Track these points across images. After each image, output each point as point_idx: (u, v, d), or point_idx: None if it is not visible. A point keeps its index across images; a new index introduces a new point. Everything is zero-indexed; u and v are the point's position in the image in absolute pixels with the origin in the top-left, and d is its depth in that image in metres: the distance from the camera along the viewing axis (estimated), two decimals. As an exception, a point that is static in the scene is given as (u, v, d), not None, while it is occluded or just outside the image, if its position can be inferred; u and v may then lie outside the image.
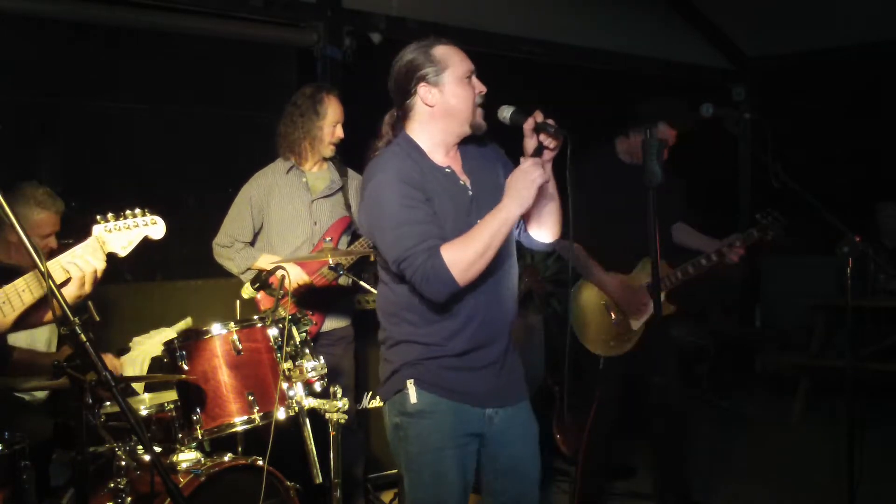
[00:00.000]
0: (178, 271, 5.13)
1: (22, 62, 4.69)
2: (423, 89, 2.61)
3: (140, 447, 3.18)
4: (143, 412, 3.39)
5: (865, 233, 3.56)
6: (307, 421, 3.34)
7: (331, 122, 4.03)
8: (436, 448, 2.61)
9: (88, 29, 4.82)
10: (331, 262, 3.79)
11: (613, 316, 4.15)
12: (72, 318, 2.09)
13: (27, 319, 2.49)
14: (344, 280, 4.04)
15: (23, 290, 2.39)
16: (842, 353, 5.92)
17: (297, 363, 3.32)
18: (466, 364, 2.62)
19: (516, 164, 2.61)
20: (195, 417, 3.27)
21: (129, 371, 3.80)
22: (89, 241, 2.47)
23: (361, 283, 3.93)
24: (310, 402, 3.33)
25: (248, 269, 4.04)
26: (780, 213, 4.19)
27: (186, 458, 3.32)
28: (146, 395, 3.79)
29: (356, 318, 4.25)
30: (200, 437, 3.29)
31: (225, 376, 3.31)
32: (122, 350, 3.93)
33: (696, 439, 4.77)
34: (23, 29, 4.67)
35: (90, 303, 2.36)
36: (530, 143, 2.59)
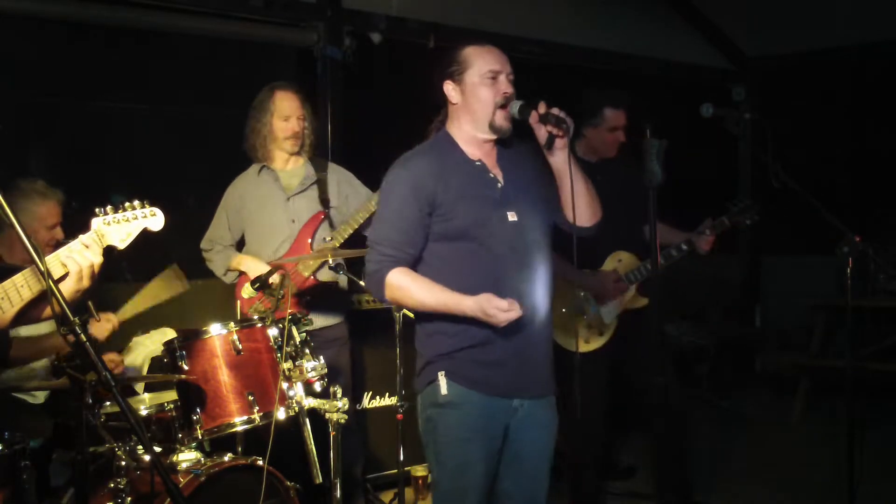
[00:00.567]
0: (179, 271, 5.12)
1: (22, 62, 4.69)
2: (448, 86, 2.75)
3: (140, 447, 3.18)
4: (143, 412, 3.39)
5: (879, 235, 3.54)
6: (307, 421, 3.35)
7: (281, 117, 4.01)
8: (463, 439, 2.68)
9: (88, 29, 4.82)
10: (331, 262, 3.79)
11: (585, 312, 4.15)
12: (71, 317, 2.09)
13: (26, 315, 2.49)
14: (342, 279, 4.03)
15: (21, 286, 2.39)
16: (842, 353, 5.89)
17: (297, 363, 3.33)
18: (494, 356, 2.68)
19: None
20: (195, 417, 3.28)
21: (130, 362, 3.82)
22: (88, 234, 2.46)
23: (361, 283, 3.91)
24: (310, 402, 3.33)
25: (228, 270, 4.10)
26: (751, 200, 4.19)
27: (186, 458, 3.33)
28: (146, 395, 3.79)
29: (351, 317, 4.23)
30: (200, 437, 3.30)
31: (225, 376, 3.31)
32: (120, 351, 3.93)
33: (696, 439, 4.76)
34: (23, 29, 4.67)
35: (90, 302, 2.35)
36: (540, 134, 2.67)
